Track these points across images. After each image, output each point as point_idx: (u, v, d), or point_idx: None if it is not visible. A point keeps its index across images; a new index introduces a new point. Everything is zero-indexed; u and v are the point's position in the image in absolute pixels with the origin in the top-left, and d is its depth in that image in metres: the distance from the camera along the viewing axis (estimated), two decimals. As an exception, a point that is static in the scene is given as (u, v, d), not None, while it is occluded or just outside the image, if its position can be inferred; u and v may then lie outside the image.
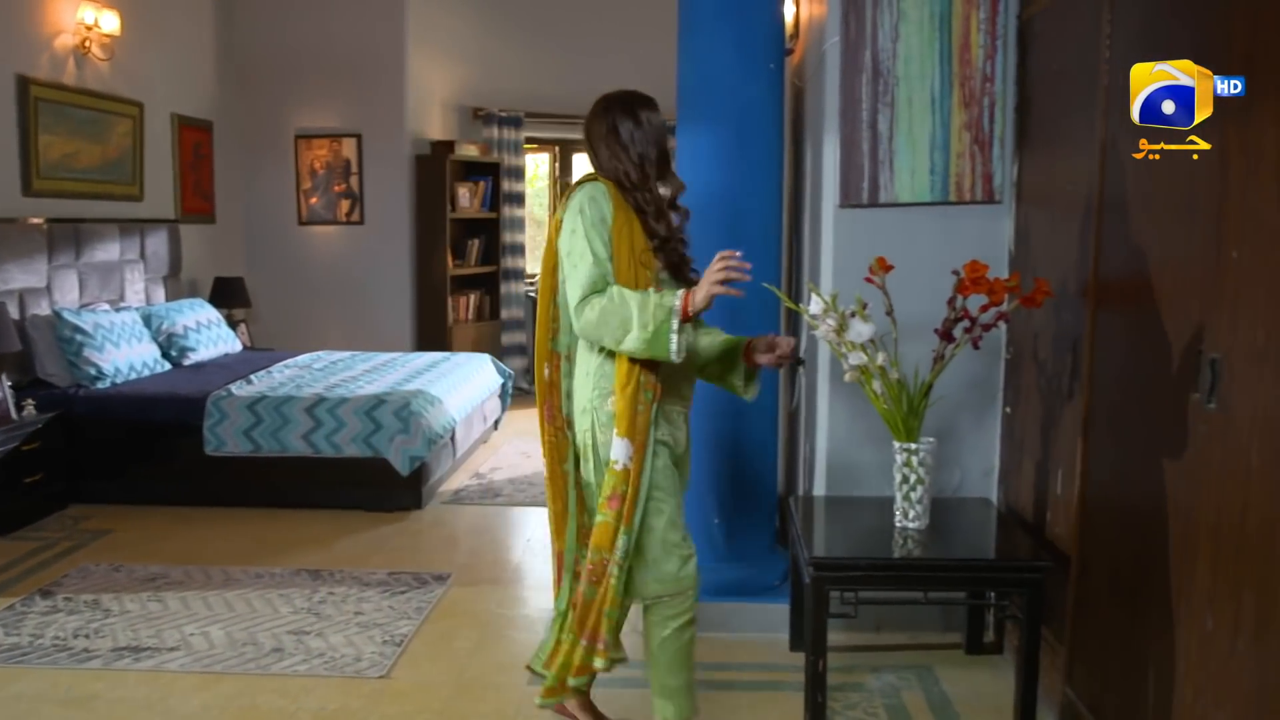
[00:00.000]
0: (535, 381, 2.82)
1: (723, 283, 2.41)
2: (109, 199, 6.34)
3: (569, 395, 2.75)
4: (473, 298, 8.44)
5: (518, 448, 6.65)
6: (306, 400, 5.24)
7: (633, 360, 2.53)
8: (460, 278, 8.31)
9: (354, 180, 7.98)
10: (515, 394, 8.34)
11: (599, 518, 2.61)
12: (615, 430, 2.56)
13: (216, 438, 5.19)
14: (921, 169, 3.40)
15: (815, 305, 2.90)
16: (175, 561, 4.44)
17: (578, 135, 8.83)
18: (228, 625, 3.74)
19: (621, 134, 2.70)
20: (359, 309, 8.08)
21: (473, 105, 8.50)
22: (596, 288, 2.51)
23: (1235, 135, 1.72)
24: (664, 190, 2.68)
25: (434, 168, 7.98)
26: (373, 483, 5.21)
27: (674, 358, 2.45)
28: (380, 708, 3.15)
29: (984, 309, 2.85)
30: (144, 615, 3.83)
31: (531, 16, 8.49)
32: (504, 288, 8.60)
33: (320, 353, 6.85)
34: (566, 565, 2.81)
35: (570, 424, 2.74)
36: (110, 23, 6.14)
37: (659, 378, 2.57)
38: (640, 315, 2.43)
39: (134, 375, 5.67)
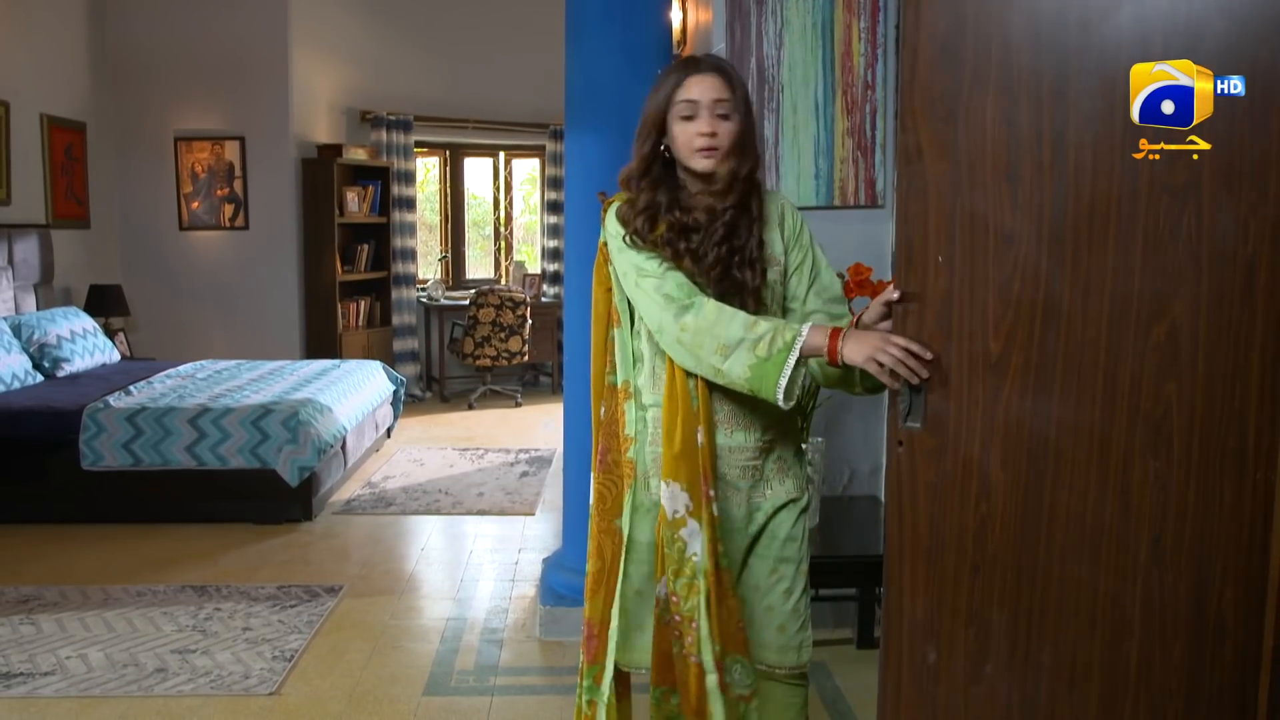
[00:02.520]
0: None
1: (887, 365, 1.85)
2: (-27, 204, 6.05)
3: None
4: (363, 304, 8.30)
5: (410, 455, 6.57)
6: (190, 411, 5.08)
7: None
8: (349, 283, 8.16)
9: (238, 184, 7.77)
10: (408, 401, 8.25)
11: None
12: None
13: (94, 452, 5.00)
14: (807, 174, 3.47)
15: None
16: (50, 582, 4.26)
17: (469, 139, 8.85)
18: (107, 646, 3.61)
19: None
20: (244, 316, 7.87)
21: (361, 108, 8.36)
22: (682, 306, 2.05)
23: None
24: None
25: (321, 171, 7.82)
26: (260, 494, 5.08)
27: (780, 399, 1.97)
28: (269, 725, 3.08)
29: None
30: (15, 639, 3.66)
31: (420, 18, 8.40)
32: (395, 293, 8.48)
33: (204, 362, 6.65)
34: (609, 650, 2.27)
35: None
36: (-28, 19, 5.87)
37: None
38: (752, 336, 1.99)
39: (2, 388, 5.41)
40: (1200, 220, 1.70)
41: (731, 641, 2.13)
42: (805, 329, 1.98)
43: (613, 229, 2.15)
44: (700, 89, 2.06)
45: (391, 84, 8.40)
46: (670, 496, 2.10)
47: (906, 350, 1.82)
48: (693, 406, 2.10)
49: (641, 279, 2.09)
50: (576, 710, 2.36)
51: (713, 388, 2.11)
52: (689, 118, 2.07)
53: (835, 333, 1.96)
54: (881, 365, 1.85)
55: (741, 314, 2.02)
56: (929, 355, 1.81)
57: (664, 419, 2.12)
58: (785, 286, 2.21)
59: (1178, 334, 1.73)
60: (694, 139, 2.06)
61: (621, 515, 2.20)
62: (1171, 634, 1.79)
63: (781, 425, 2.22)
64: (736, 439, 2.17)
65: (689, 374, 2.09)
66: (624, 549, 2.19)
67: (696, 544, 2.09)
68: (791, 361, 1.95)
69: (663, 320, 2.06)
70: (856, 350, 1.91)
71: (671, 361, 2.09)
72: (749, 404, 2.13)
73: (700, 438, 2.09)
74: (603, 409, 2.24)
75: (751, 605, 2.20)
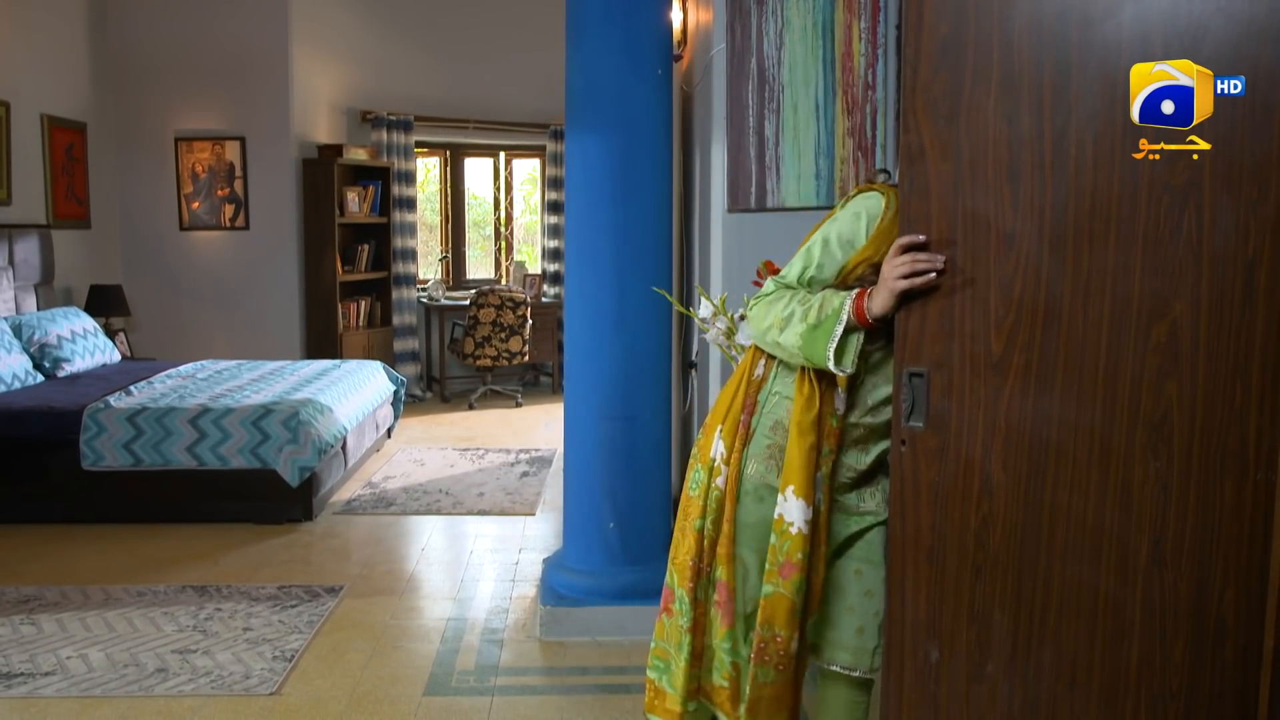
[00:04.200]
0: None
1: (909, 276, 1.85)
2: (-27, 204, 6.05)
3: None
4: (363, 304, 8.30)
5: (411, 455, 6.57)
6: (190, 411, 5.08)
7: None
8: (350, 284, 8.16)
9: (238, 184, 7.77)
10: (408, 401, 8.25)
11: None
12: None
13: (94, 452, 5.00)
14: (807, 174, 3.47)
15: (705, 309, 2.93)
16: (50, 582, 4.26)
17: (469, 139, 8.85)
18: (108, 647, 3.61)
19: None
20: (245, 317, 7.87)
21: (361, 108, 8.36)
22: (773, 291, 2.16)
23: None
24: None
25: (322, 172, 7.82)
26: (261, 495, 5.08)
27: (831, 365, 1.98)
28: (270, 725, 3.08)
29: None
30: (16, 639, 3.67)
31: (421, 18, 8.40)
32: (395, 293, 8.48)
33: (204, 362, 6.65)
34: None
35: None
36: (-27, 19, 5.87)
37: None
38: (803, 307, 2.04)
39: (3, 388, 5.41)
40: (1200, 220, 1.70)
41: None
42: (851, 294, 2.00)
43: (847, 225, 2.13)
44: None
45: (392, 84, 8.40)
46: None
47: (908, 255, 1.84)
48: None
49: (799, 258, 2.17)
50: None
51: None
52: None
53: (860, 294, 1.98)
54: (906, 282, 1.85)
55: (803, 292, 2.09)
56: (922, 238, 1.83)
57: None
58: None
59: (1178, 334, 1.73)
60: None
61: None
62: (1172, 634, 1.79)
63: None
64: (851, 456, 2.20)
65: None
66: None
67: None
68: (839, 330, 1.97)
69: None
70: (878, 298, 1.92)
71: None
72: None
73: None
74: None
75: (832, 605, 2.23)
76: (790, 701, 2.20)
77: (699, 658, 2.28)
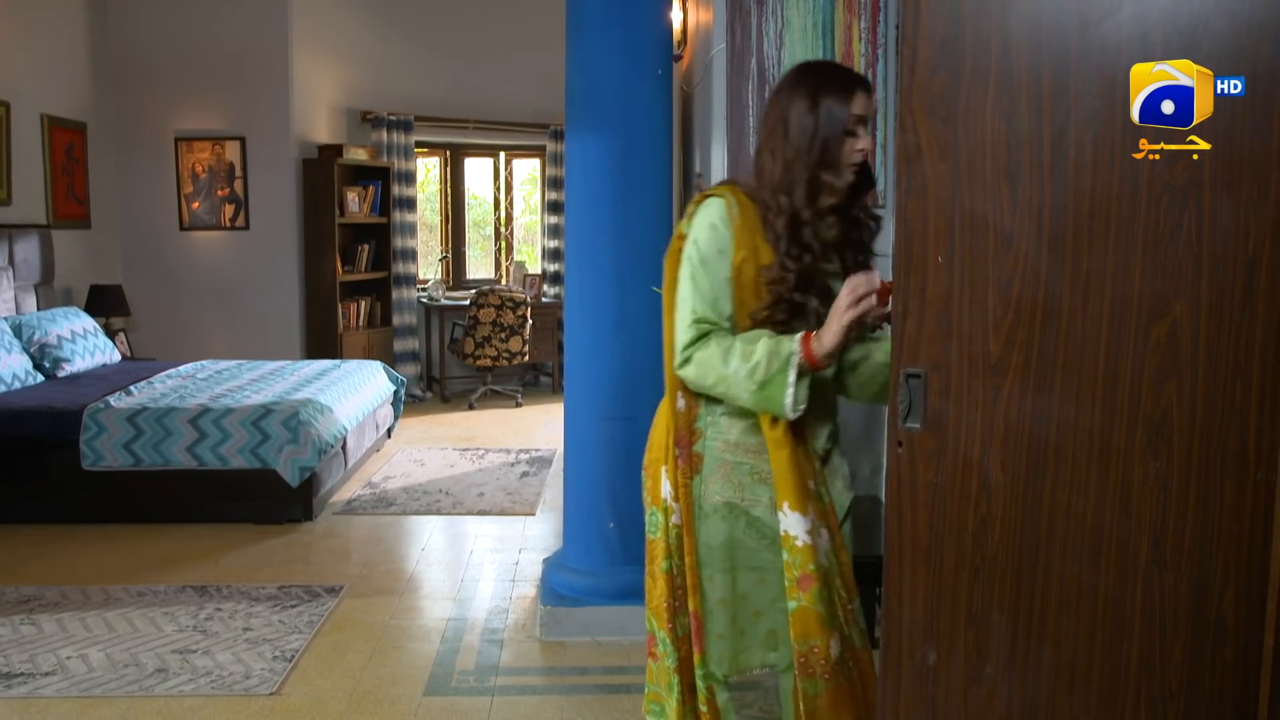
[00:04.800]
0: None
1: (854, 304, 1.96)
2: (-26, 204, 6.06)
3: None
4: (363, 304, 8.30)
5: (411, 456, 6.57)
6: (190, 411, 5.08)
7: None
8: (350, 284, 8.16)
9: (238, 184, 7.77)
10: (408, 401, 8.25)
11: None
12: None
13: (94, 452, 5.00)
14: (807, 174, 3.46)
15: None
16: (50, 582, 4.26)
17: (469, 139, 8.85)
18: (108, 646, 3.61)
19: (791, 122, 2.09)
20: (245, 317, 7.87)
21: (361, 108, 8.36)
22: (694, 340, 2.12)
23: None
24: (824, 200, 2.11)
25: (322, 172, 7.82)
26: (261, 495, 5.08)
27: (789, 414, 2.04)
28: (270, 726, 3.08)
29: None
30: (16, 639, 3.67)
31: (421, 18, 8.40)
32: (395, 293, 8.48)
33: (204, 362, 6.65)
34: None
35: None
36: (-27, 19, 5.87)
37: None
38: (746, 364, 2.04)
39: (3, 388, 5.41)
40: (1200, 220, 1.70)
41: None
42: (796, 341, 2.03)
43: (704, 243, 2.16)
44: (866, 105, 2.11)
45: (392, 84, 8.40)
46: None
47: (854, 293, 1.96)
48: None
49: (681, 308, 2.15)
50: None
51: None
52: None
53: (805, 339, 2.03)
54: (854, 310, 1.97)
55: (730, 339, 2.09)
56: (875, 274, 1.92)
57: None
58: None
59: (1178, 334, 1.72)
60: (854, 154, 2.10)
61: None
62: (1172, 635, 1.79)
63: (834, 419, 2.28)
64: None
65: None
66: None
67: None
68: (791, 380, 2.02)
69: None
70: (829, 335, 2.00)
71: None
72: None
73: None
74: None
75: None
76: (854, 706, 2.19)
77: (692, 692, 2.27)
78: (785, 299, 2.09)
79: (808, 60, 2.27)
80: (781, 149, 2.09)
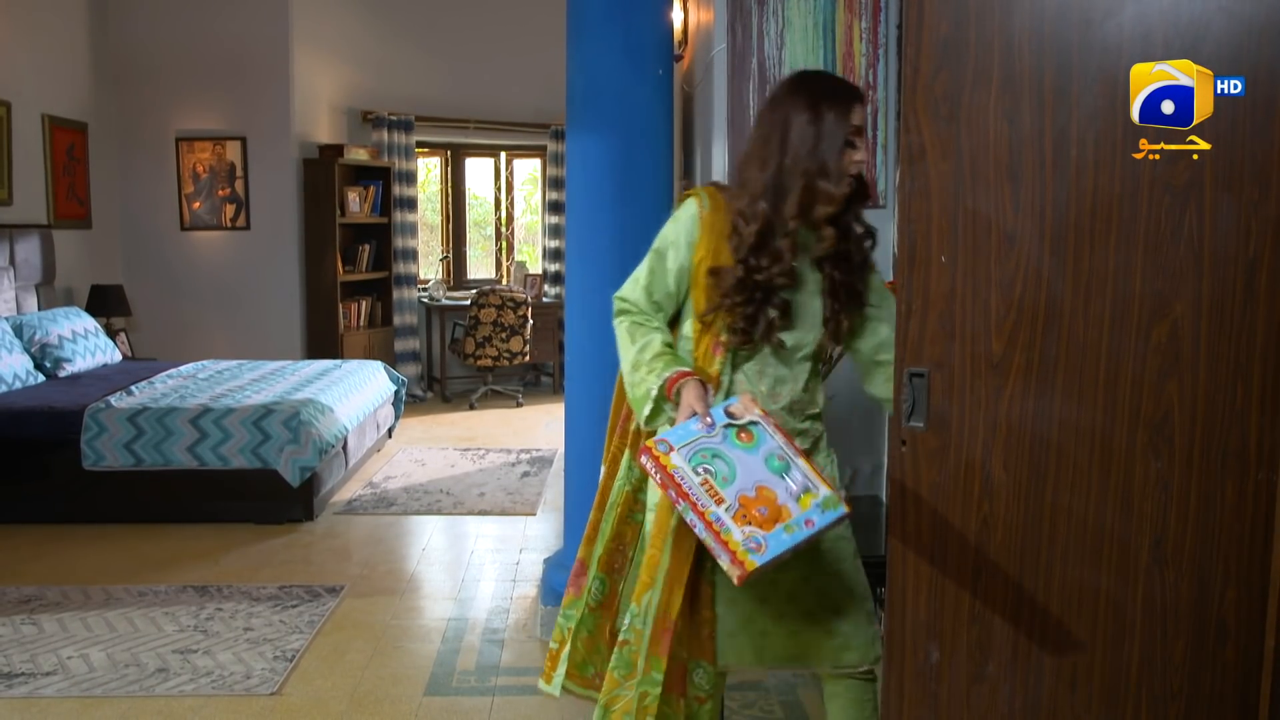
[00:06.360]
0: None
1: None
2: (-26, 204, 6.06)
3: None
4: (364, 304, 8.30)
5: (412, 455, 6.57)
6: (191, 411, 5.08)
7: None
8: (351, 284, 8.16)
9: (239, 184, 7.77)
10: (409, 401, 8.25)
11: None
12: None
13: (95, 452, 5.00)
14: (808, 174, 3.46)
15: (706, 309, 2.93)
16: (51, 582, 4.26)
17: (470, 139, 8.85)
18: (108, 646, 3.61)
19: (790, 132, 2.08)
20: (246, 317, 7.87)
21: (362, 108, 8.36)
22: (622, 308, 2.24)
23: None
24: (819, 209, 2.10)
25: (322, 172, 7.82)
26: (261, 495, 5.08)
27: (643, 425, 2.15)
28: (271, 725, 3.08)
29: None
30: (17, 639, 3.67)
31: (422, 18, 8.40)
32: (396, 293, 8.48)
33: (205, 362, 6.65)
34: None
35: None
36: (-26, 19, 5.87)
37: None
38: (633, 368, 2.16)
39: (4, 388, 5.42)
40: (1201, 220, 1.70)
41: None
42: (664, 379, 2.09)
43: (671, 227, 2.23)
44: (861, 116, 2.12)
45: (393, 84, 8.40)
46: None
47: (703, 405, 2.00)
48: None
49: (636, 272, 2.24)
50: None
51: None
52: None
53: (674, 380, 2.07)
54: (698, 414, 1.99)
55: (640, 336, 2.18)
56: (752, 409, 1.97)
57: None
58: None
59: (1179, 334, 1.73)
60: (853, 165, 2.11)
61: None
62: (1173, 634, 1.79)
63: (816, 408, 2.26)
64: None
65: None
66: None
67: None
68: (648, 409, 2.11)
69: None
70: (683, 400, 2.03)
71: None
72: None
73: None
74: None
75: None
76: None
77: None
78: (723, 305, 2.11)
79: (803, 70, 2.26)
80: (776, 158, 2.09)
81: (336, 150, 7.88)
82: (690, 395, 2.02)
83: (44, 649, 3.59)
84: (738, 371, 2.17)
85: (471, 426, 7.55)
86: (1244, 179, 1.68)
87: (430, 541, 4.88)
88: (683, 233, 2.17)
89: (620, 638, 2.20)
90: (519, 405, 8.30)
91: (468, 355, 8.01)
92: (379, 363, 6.76)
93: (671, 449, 1.88)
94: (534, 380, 9.21)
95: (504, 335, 7.95)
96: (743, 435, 1.92)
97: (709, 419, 1.94)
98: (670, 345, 2.17)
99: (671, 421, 2.05)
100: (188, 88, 7.69)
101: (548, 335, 8.63)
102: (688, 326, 2.22)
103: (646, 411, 2.11)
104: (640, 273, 2.23)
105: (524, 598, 4.12)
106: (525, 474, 6.08)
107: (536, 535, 4.95)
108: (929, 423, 1.86)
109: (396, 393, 6.75)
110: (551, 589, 3.82)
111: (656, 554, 2.14)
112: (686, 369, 2.10)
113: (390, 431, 6.90)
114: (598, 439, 3.71)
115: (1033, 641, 1.85)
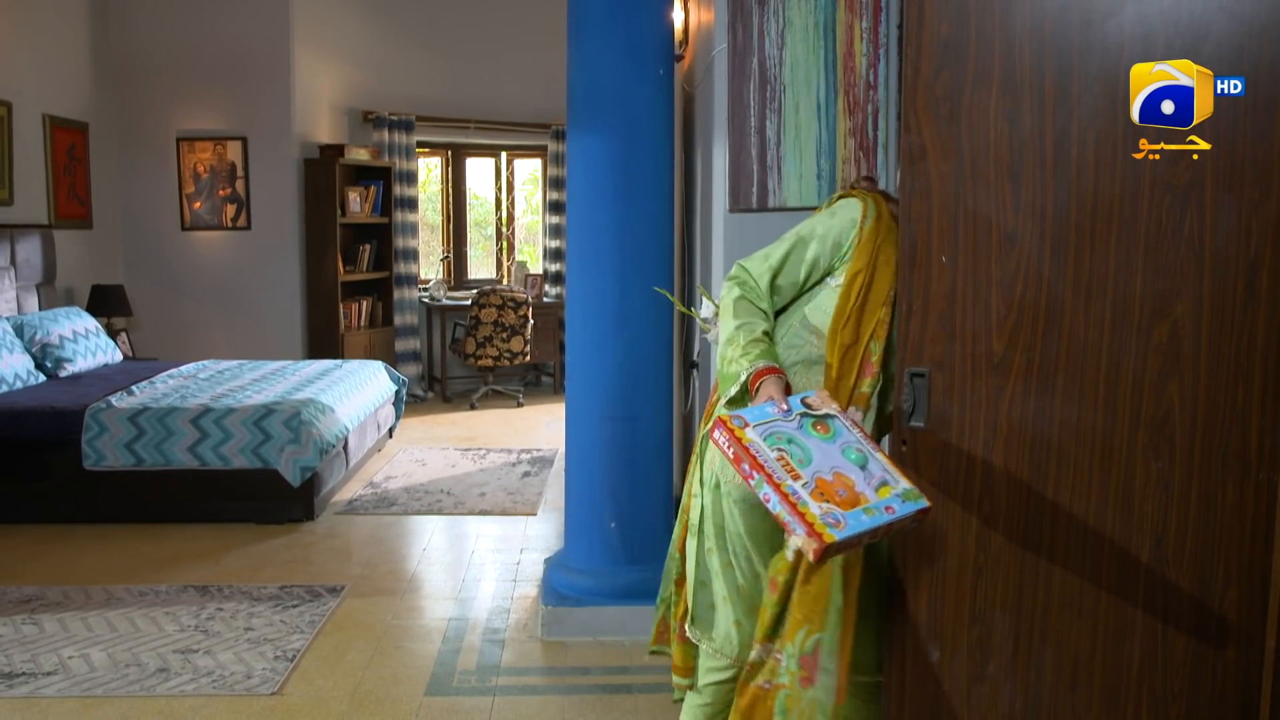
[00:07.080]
0: None
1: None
2: (-25, 204, 6.06)
3: None
4: (365, 304, 8.30)
5: (412, 455, 6.57)
6: (192, 411, 5.09)
7: None
8: (351, 284, 8.17)
9: (240, 184, 7.77)
10: (410, 401, 8.25)
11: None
12: None
13: (95, 451, 5.00)
14: (809, 174, 3.47)
15: (706, 309, 2.92)
16: (52, 581, 4.26)
17: (470, 139, 8.85)
18: (109, 646, 3.61)
19: None
20: (247, 317, 7.87)
21: (363, 108, 8.36)
22: (741, 278, 2.16)
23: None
24: None
25: (323, 172, 7.82)
26: (262, 494, 5.08)
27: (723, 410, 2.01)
28: (272, 725, 3.08)
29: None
30: (17, 639, 3.67)
31: (422, 18, 8.40)
32: (397, 293, 8.48)
33: (206, 362, 6.65)
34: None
35: None
36: (-26, 19, 5.87)
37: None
38: (728, 343, 2.09)
39: (5, 388, 5.42)
40: (1202, 220, 1.70)
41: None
42: (756, 368, 2.02)
43: (827, 224, 2.14)
44: None
45: (393, 84, 8.40)
46: None
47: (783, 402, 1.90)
48: None
49: (772, 250, 2.16)
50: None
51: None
52: None
53: (759, 374, 2.00)
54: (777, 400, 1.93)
55: (747, 321, 2.09)
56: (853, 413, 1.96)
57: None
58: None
59: (1180, 334, 1.73)
60: None
61: None
62: (1174, 634, 1.79)
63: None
64: None
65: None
66: None
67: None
68: (733, 391, 2.04)
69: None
70: (762, 389, 1.99)
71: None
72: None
73: None
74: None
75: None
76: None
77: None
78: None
79: None
80: None
81: (337, 150, 7.88)
82: (771, 387, 1.97)
83: (45, 649, 3.59)
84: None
85: (472, 426, 7.55)
86: (1244, 179, 1.68)
87: (431, 541, 4.88)
88: (834, 233, 2.09)
89: (763, 683, 2.07)
90: (520, 405, 8.30)
91: (468, 355, 8.01)
92: (380, 363, 6.76)
93: (747, 424, 1.81)
94: (534, 380, 9.21)
95: (504, 335, 7.95)
96: (819, 427, 1.86)
97: (785, 405, 1.88)
98: (770, 335, 2.10)
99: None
100: (188, 88, 7.69)
101: (548, 335, 8.64)
102: (820, 322, 2.11)
103: (733, 392, 2.04)
104: (775, 252, 2.14)
105: (525, 598, 4.12)
106: (526, 474, 6.08)
107: (537, 535, 4.95)
108: (929, 422, 1.86)
109: (397, 393, 6.75)
110: (552, 589, 3.82)
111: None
112: (776, 366, 2.03)
113: (391, 431, 6.90)
114: (598, 439, 3.73)
115: (1033, 640, 1.85)
